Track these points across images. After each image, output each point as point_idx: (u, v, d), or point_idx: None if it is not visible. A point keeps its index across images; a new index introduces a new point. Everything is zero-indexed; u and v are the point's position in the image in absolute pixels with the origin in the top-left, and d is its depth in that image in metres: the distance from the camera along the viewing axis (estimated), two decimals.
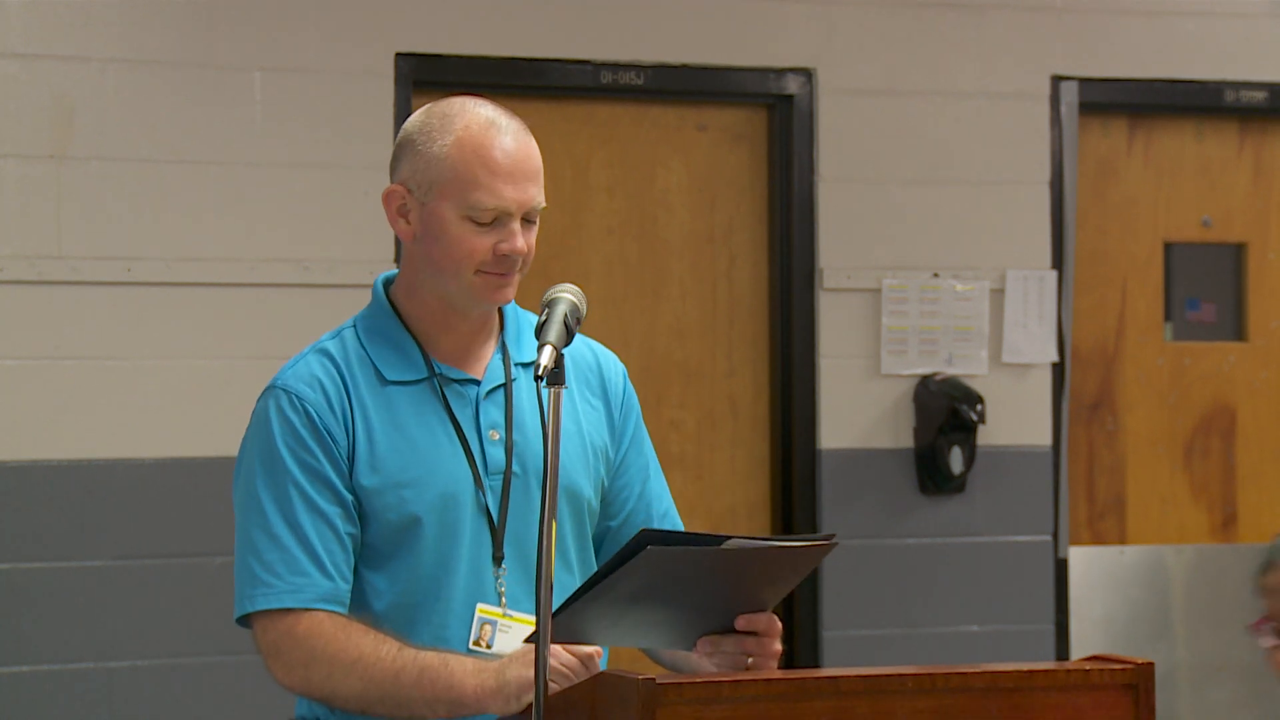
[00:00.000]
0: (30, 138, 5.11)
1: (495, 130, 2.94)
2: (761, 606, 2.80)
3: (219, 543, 5.16)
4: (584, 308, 2.80)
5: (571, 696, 2.66)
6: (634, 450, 3.13)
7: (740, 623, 2.79)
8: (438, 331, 3.02)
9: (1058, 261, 5.91)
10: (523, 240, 2.95)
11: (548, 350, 2.69)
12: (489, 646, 2.92)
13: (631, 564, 2.62)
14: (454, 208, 2.94)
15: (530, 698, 2.64)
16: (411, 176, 2.97)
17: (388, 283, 3.08)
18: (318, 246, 5.33)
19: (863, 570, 5.31)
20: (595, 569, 3.07)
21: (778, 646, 2.81)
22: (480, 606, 2.94)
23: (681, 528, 3.15)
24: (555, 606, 2.70)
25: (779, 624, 2.82)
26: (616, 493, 3.11)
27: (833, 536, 2.78)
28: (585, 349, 3.14)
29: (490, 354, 3.04)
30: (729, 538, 2.68)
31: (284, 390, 2.97)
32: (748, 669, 2.79)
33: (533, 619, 2.86)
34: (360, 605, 2.94)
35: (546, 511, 2.61)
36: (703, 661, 2.84)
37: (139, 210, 5.19)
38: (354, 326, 3.04)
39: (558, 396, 2.67)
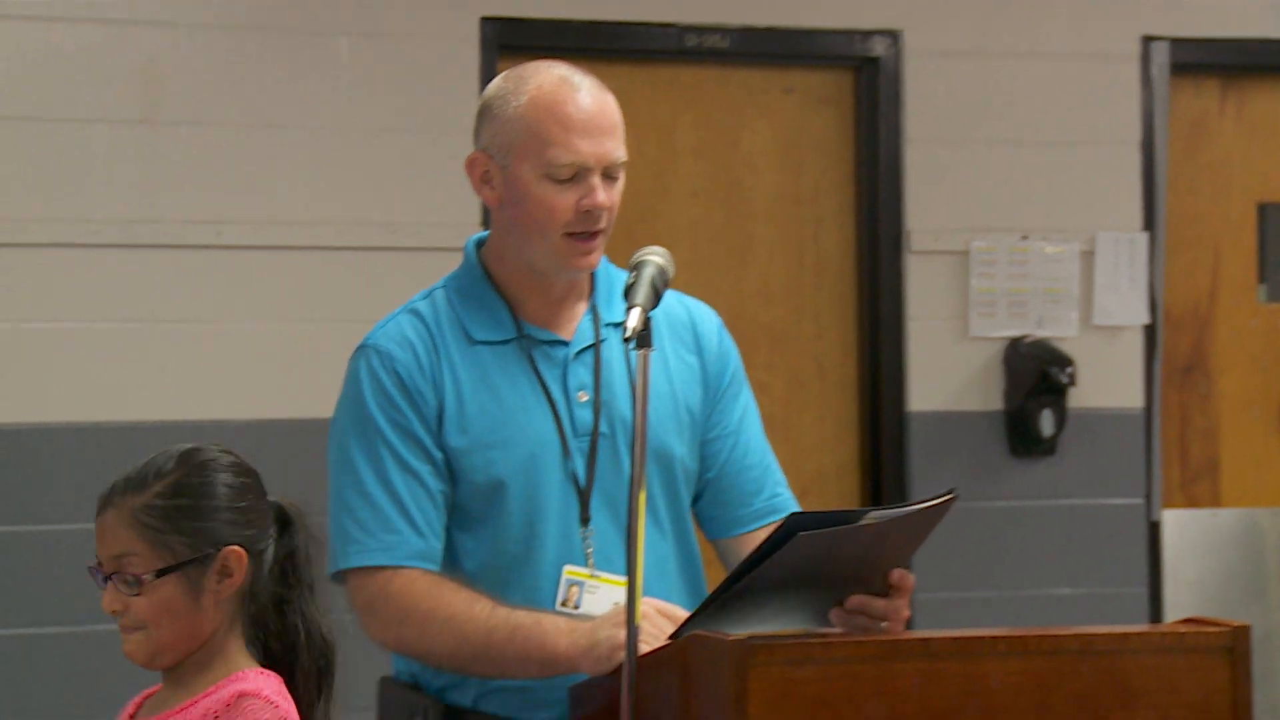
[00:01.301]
0: (120, 103, 5.14)
1: (568, 87, 2.94)
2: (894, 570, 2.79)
3: (309, 503, 5.18)
4: (671, 270, 2.80)
5: (663, 657, 2.67)
6: (730, 402, 3.12)
7: (894, 576, 2.77)
8: (527, 293, 3.02)
9: (1149, 223, 5.86)
10: (604, 194, 2.95)
11: (635, 312, 2.68)
12: (576, 607, 2.92)
13: (782, 551, 2.61)
14: (533, 168, 2.94)
15: (622, 657, 2.64)
16: (491, 141, 2.98)
17: (479, 244, 3.08)
18: (404, 210, 5.34)
19: (953, 533, 5.27)
20: (689, 528, 3.07)
21: (908, 610, 2.79)
22: (568, 568, 2.95)
23: (783, 479, 3.14)
24: (651, 577, 2.72)
25: (912, 580, 2.81)
26: (710, 444, 3.09)
27: (954, 491, 2.77)
28: (678, 305, 3.13)
29: (580, 315, 3.04)
30: (866, 511, 2.67)
31: (375, 350, 2.98)
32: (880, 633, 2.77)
33: (621, 579, 2.86)
34: (452, 565, 2.95)
35: (636, 476, 2.61)
36: None
37: (228, 174, 5.21)
38: (445, 287, 3.05)
39: (646, 359, 2.67)
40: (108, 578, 2.56)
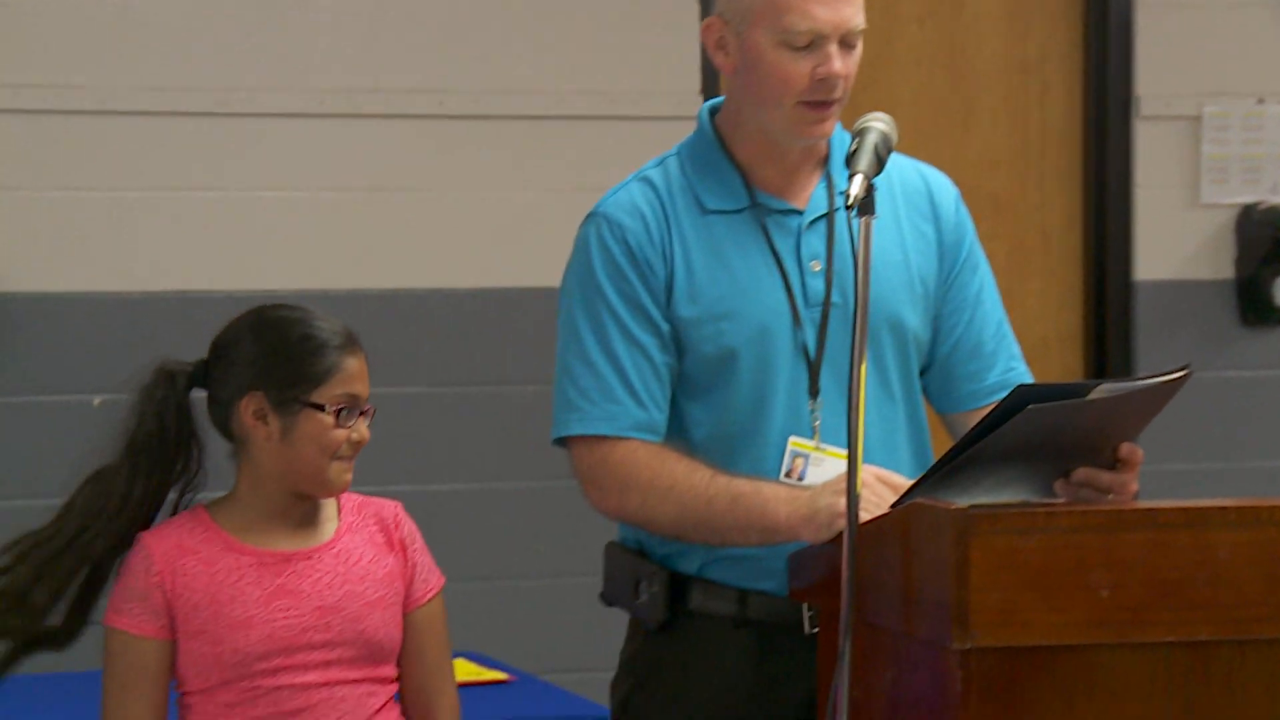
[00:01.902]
0: None
1: None
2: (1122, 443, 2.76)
3: (530, 371, 5.24)
4: (895, 136, 2.76)
5: (883, 525, 2.66)
6: (966, 275, 3.07)
7: (1123, 450, 2.73)
8: (761, 162, 2.99)
9: None
10: (841, 63, 2.90)
11: (858, 179, 2.65)
12: (800, 479, 2.92)
13: (1009, 424, 2.58)
14: (768, 34, 2.90)
15: (842, 526, 2.64)
16: (727, 7, 2.95)
17: (714, 111, 3.06)
18: (624, 78, 5.33)
19: (1182, 404, 5.19)
20: (919, 400, 3.04)
21: (1135, 484, 2.76)
22: (793, 440, 2.94)
23: (1018, 353, 3.10)
24: (879, 446, 2.71)
25: (1141, 454, 2.77)
26: (945, 318, 3.05)
27: (1188, 367, 2.72)
28: (915, 174, 3.09)
29: (814, 183, 3.01)
30: (1095, 384, 2.63)
31: (604, 218, 2.97)
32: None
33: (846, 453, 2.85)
34: (679, 434, 2.95)
35: (857, 344, 2.59)
36: None
37: (450, 44, 5.24)
38: (678, 154, 3.03)
39: (868, 226, 2.64)
40: (363, 411, 2.85)
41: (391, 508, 2.95)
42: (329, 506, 2.91)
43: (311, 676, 2.80)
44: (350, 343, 2.86)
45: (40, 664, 4.88)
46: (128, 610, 2.82)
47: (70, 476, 4.80)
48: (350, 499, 2.92)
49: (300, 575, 2.83)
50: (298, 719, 2.80)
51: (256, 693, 2.79)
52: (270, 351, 2.83)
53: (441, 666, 2.94)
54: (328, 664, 2.81)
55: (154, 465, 2.87)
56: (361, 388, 2.84)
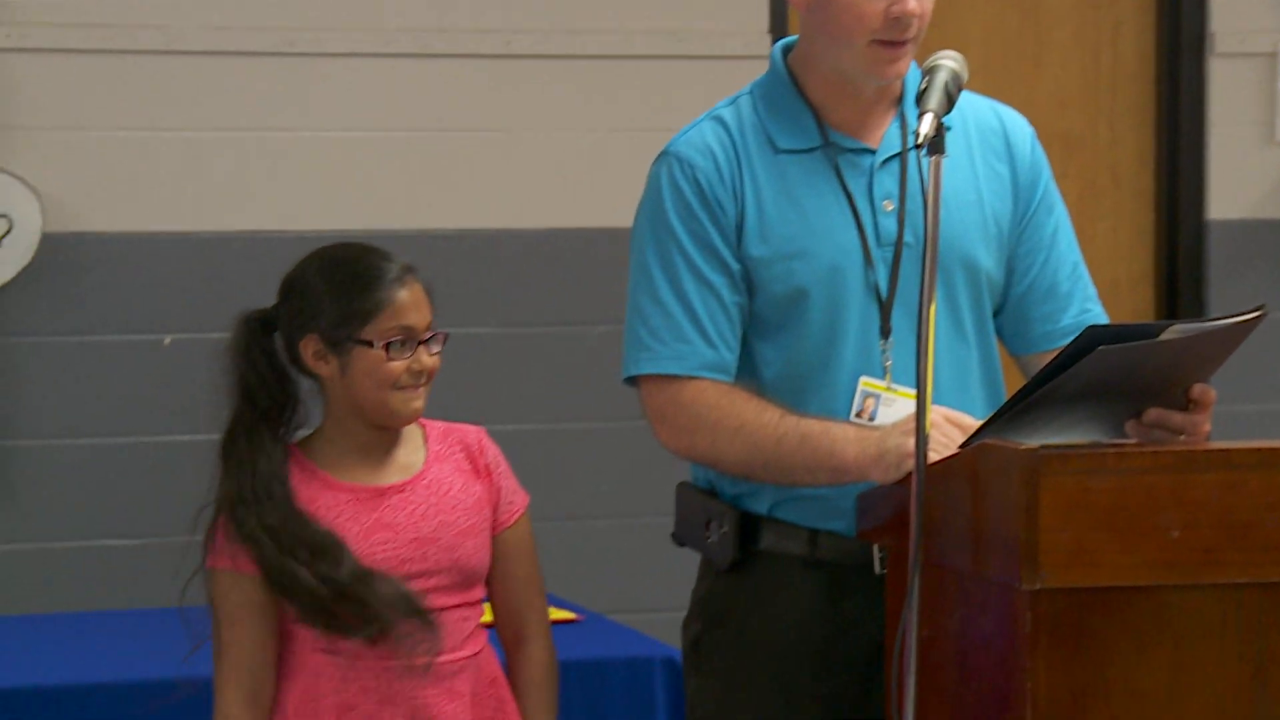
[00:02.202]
0: None
1: None
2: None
3: (599, 312, 5.25)
4: (965, 74, 2.74)
5: (952, 466, 2.65)
6: (1041, 215, 3.05)
7: (1195, 391, 2.72)
8: (834, 100, 2.98)
9: None
10: (915, 2, 2.89)
11: (928, 118, 2.64)
12: (871, 419, 2.91)
13: (1080, 364, 2.56)
14: None
15: (910, 466, 2.63)
16: None
17: (786, 50, 3.04)
18: (693, 18, 5.31)
19: (1254, 344, 5.16)
20: (992, 341, 3.03)
21: (1208, 425, 2.74)
22: (864, 380, 2.93)
23: (1093, 294, 3.08)
24: (951, 387, 2.70)
25: (1213, 395, 2.75)
26: (1020, 260, 3.04)
27: (1262, 308, 2.69)
28: (990, 113, 3.07)
29: (888, 122, 2.99)
30: (1167, 325, 2.61)
31: (676, 157, 2.97)
32: None
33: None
34: (749, 374, 2.95)
35: (926, 283, 2.58)
36: None
37: None
38: (750, 93, 3.02)
39: (938, 166, 2.62)
40: (422, 341, 2.88)
41: (475, 433, 3.01)
42: (415, 437, 2.96)
43: None
44: (402, 275, 2.89)
45: (119, 600, 4.93)
46: (230, 551, 2.86)
47: (141, 415, 4.83)
48: (434, 427, 2.99)
49: (395, 509, 2.89)
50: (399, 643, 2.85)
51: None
52: (323, 292, 2.89)
53: (531, 585, 3.02)
54: (424, 592, 2.87)
55: (264, 413, 2.90)
56: (416, 318, 2.87)
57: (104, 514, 5.10)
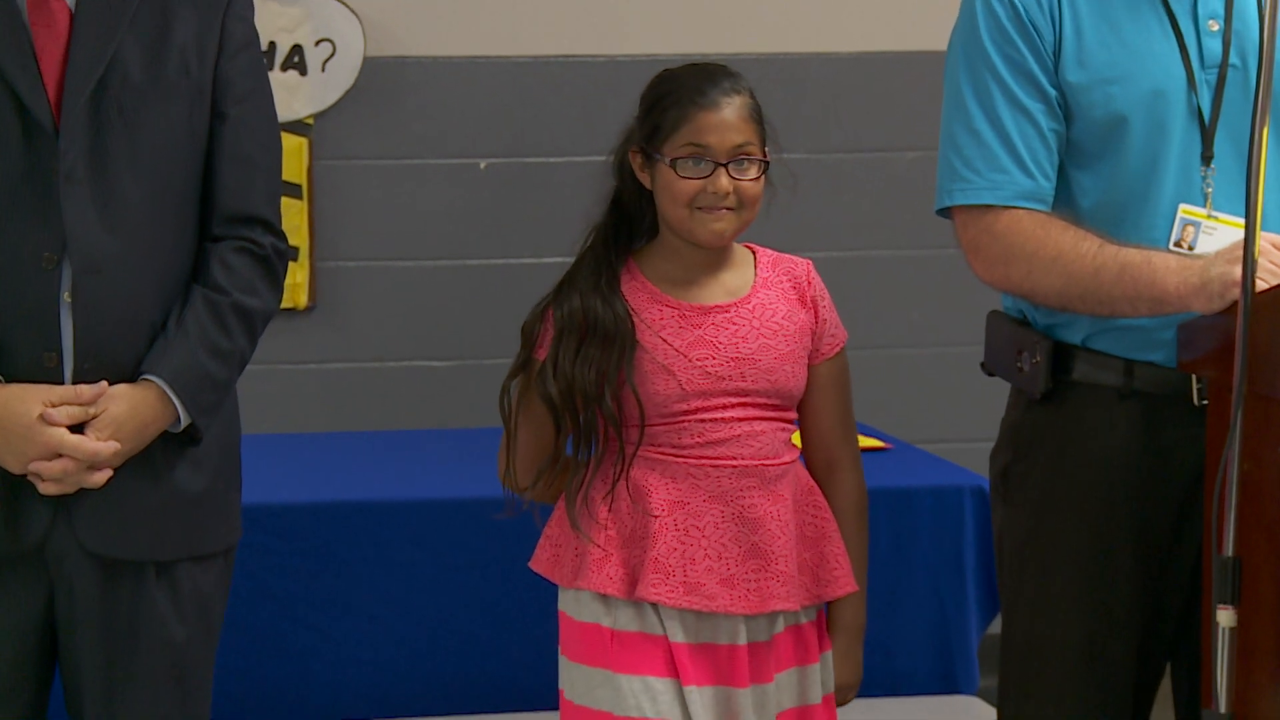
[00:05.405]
0: None
1: None
2: None
3: (914, 138, 5.19)
4: None
5: None
6: None
7: None
8: None
9: None
10: None
11: None
12: (1191, 248, 2.84)
13: None
14: None
15: (1235, 295, 2.56)
16: None
17: None
18: None
19: None
20: None
21: None
22: (1183, 207, 2.85)
23: None
24: (1278, 215, 2.61)
25: None
26: None
27: None
28: None
29: None
30: None
31: None
32: None
33: (1241, 221, 2.76)
34: (1066, 203, 2.90)
35: (1259, 106, 2.50)
36: None
37: None
38: None
39: None
40: (723, 164, 2.85)
41: (803, 266, 3.03)
42: (745, 262, 3.00)
43: (730, 414, 2.91)
44: (716, 95, 2.87)
45: (432, 420, 5.05)
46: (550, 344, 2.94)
47: (457, 238, 4.92)
48: (765, 255, 3.01)
49: (718, 328, 2.92)
50: (721, 447, 2.91)
51: (680, 425, 2.90)
52: (643, 109, 2.94)
53: (844, 419, 3.05)
54: (744, 406, 2.92)
55: (621, 221, 2.99)
56: (715, 139, 2.86)
57: (420, 335, 5.22)
